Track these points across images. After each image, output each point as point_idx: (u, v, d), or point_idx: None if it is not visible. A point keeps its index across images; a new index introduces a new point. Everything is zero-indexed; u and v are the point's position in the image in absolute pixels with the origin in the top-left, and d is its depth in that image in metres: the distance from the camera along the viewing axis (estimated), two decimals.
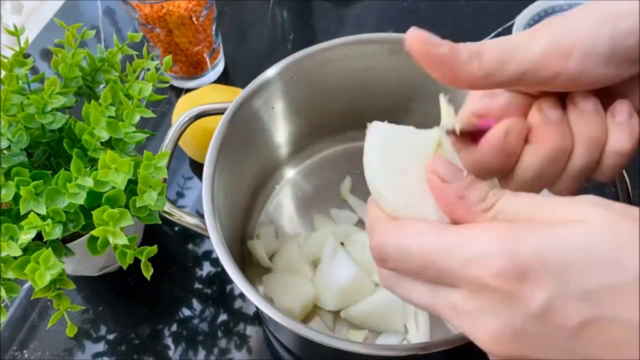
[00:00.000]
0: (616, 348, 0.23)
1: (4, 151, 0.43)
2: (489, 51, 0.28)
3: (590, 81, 0.28)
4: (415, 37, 0.28)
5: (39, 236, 0.40)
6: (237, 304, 0.54)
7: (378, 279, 0.30)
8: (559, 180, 0.30)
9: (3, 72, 0.45)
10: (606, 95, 0.30)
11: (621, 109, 0.29)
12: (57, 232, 0.40)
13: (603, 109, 0.30)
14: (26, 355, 0.52)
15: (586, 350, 0.23)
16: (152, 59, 0.49)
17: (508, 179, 0.31)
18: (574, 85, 0.29)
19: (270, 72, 0.50)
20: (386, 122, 0.29)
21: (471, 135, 0.31)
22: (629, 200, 0.43)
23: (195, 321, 0.53)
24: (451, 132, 0.30)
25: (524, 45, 0.28)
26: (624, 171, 0.44)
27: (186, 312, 0.54)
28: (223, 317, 0.53)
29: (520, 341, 0.24)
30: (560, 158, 0.29)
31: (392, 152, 0.28)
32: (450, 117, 0.30)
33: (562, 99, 0.30)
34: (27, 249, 0.41)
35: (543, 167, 0.30)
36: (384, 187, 0.28)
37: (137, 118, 0.45)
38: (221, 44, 0.68)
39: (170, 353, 0.52)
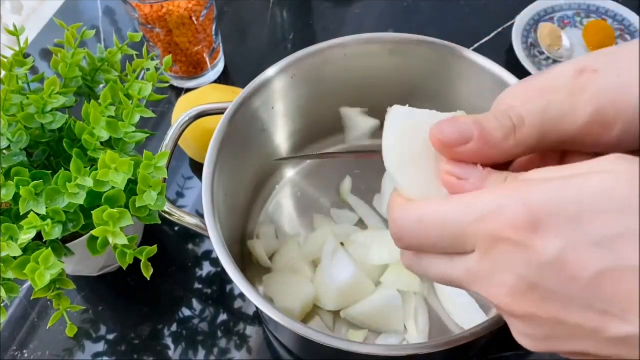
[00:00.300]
0: (635, 297, 0.21)
1: (4, 151, 0.43)
2: (527, 127, 0.27)
3: (629, 146, 0.27)
4: (440, 142, 0.27)
5: (39, 236, 0.40)
6: (237, 304, 0.54)
7: (401, 260, 0.30)
8: None
9: (3, 72, 0.45)
10: None
11: None
12: (57, 232, 0.40)
13: None
14: (26, 355, 0.52)
15: (604, 305, 0.22)
16: (152, 59, 0.49)
17: None
18: (612, 150, 0.27)
19: (270, 72, 0.50)
20: (407, 105, 0.29)
21: None
22: None
23: (195, 321, 0.53)
24: None
25: (565, 116, 0.26)
26: None
27: (186, 312, 0.54)
28: (223, 317, 0.53)
29: (537, 296, 0.23)
30: None
31: (410, 136, 0.28)
32: None
33: None
34: (27, 249, 0.41)
35: None
36: (399, 171, 0.28)
37: (137, 118, 0.45)
38: (221, 44, 0.68)
39: (170, 353, 0.52)
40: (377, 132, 0.60)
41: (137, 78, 0.48)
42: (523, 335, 0.26)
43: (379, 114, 0.58)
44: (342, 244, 0.52)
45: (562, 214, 0.22)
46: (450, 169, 0.27)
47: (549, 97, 0.27)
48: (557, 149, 0.28)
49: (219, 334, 0.52)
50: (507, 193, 0.24)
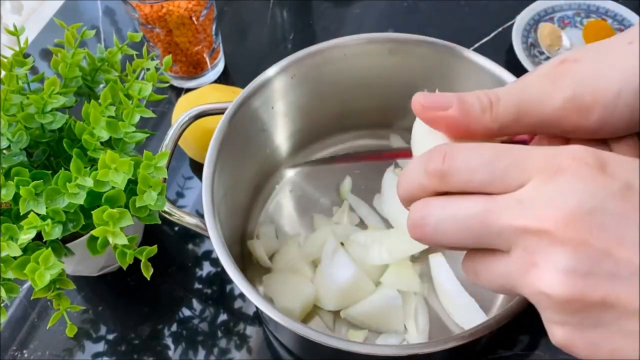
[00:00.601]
0: None
1: (4, 151, 0.43)
2: (503, 103, 0.27)
3: (613, 131, 0.28)
4: (420, 105, 0.28)
5: (39, 236, 0.40)
6: (237, 304, 0.54)
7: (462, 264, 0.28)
8: None
9: (3, 72, 0.45)
10: None
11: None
12: (57, 232, 0.40)
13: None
14: (26, 355, 0.52)
15: None
16: (152, 59, 0.49)
17: None
18: (595, 136, 0.28)
19: (270, 72, 0.50)
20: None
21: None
22: None
23: (195, 321, 0.53)
24: None
25: (542, 98, 0.27)
26: None
27: (186, 312, 0.54)
28: (223, 317, 0.53)
29: (598, 221, 0.22)
30: None
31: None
32: None
33: None
34: (27, 249, 0.41)
35: None
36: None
37: (137, 118, 0.45)
38: (221, 44, 0.68)
39: (170, 353, 0.52)
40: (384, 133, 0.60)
41: (137, 78, 0.48)
42: (562, 273, 0.23)
43: (379, 114, 0.58)
44: (342, 243, 0.52)
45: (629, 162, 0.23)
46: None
47: (527, 81, 0.28)
48: (538, 132, 0.29)
49: (219, 334, 0.52)
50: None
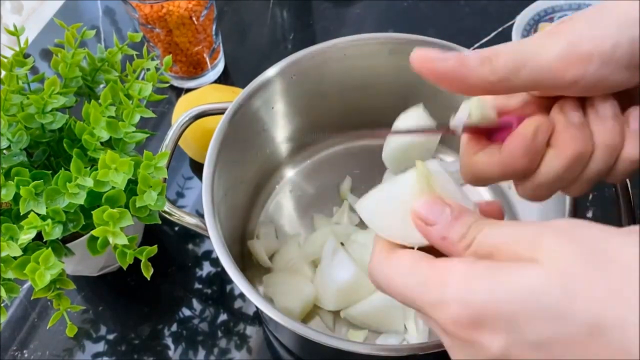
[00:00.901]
0: None
1: (4, 151, 0.43)
2: (502, 55, 0.28)
3: (609, 86, 0.28)
4: (420, 57, 0.28)
5: (39, 236, 0.40)
6: (237, 304, 0.54)
7: None
8: (574, 183, 0.30)
9: (3, 72, 0.45)
10: (624, 97, 0.29)
11: (636, 116, 0.29)
12: (57, 232, 0.40)
13: (621, 111, 0.29)
14: (26, 355, 0.52)
15: None
16: (152, 59, 0.49)
17: (527, 180, 0.30)
18: (593, 90, 0.28)
19: (270, 72, 0.50)
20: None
21: (487, 134, 0.30)
22: (628, 200, 0.43)
23: (195, 321, 0.53)
24: (469, 129, 0.30)
25: (539, 49, 0.28)
26: None
27: (186, 312, 0.54)
28: (223, 317, 0.53)
29: None
30: (581, 162, 0.29)
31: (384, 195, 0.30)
32: (477, 108, 0.30)
33: (581, 99, 0.30)
34: (27, 249, 0.41)
35: (564, 171, 0.29)
36: (376, 220, 0.30)
37: (137, 118, 0.45)
38: (221, 44, 0.68)
39: (170, 353, 0.52)
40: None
41: (137, 78, 0.48)
42: None
43: (379, 114, 0.58)
44: (342, 244, 0.52)
45: (501, 315, 0.23)
46: (417, 211, 0.27)
47: (525, 39, 0.28)
48: (537, 88, 0.29)
49: (219, 334, 0.52)
50: (454, 284, 0.24)
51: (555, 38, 0.28)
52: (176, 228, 0.59)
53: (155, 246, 0.41)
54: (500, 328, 0.23)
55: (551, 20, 0.70)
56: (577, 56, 0.27)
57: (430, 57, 0.28)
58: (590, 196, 0.57)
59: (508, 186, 0.54)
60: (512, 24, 0.69)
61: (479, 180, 0.31)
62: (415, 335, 0.49)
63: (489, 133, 0.30)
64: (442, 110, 0.54)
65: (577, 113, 0.29)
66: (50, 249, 0.40)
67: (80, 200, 0.40)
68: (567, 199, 0.42)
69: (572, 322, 0.21)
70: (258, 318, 0.53)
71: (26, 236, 0.39)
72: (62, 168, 0.41)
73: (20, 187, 0.39)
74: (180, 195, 0.61)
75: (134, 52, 0.50)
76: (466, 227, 0.26)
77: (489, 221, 0.26)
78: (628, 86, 0.28)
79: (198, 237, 0.58)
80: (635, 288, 0.21)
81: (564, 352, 0.22)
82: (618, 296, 0.21)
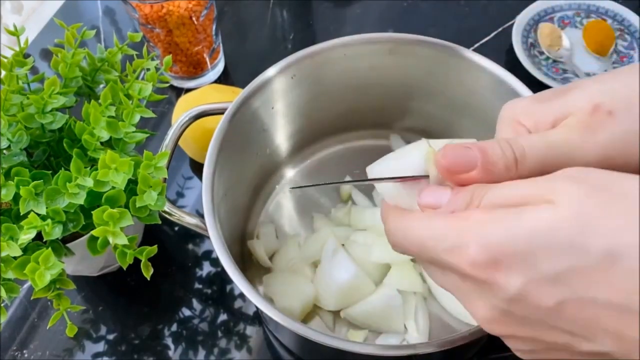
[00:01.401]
0: (596, 324, 0.23)
1: (4, 151, 0.43)
2: (529, 160, 0.27)
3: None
4: (444, 169, 0.28)
5: (39, 236, 0.40)
6: (237, 304, 0.54)
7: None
8: None
9: (3, 72, 0.45)
10: None
11: None
12: (57, 232, 0.40)
13: None
14: (26, 355, 0.52)
15: (570, 327, 0.24)
16: (152, 59, 0.49)
17: None
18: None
19: (270, 72, 0.50)
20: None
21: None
22: None
23: (195, 321, 0.53)
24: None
25: (571, 156, 0.27)
26: None
27: (186, 312, 0.54)
28: (223, 317, 0.53)
29: (510, 321, 0.25)
30: None
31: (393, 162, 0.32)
32: (427, 162, 0.32)
33: None
34: (27, 249, 0.41)
35: None
36: (385, 188, 0.31)
37: (137, 118, 0.45)
38: (221, 44, 0.68)
39: (170, 353, 0.52)
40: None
41: (137, 78, 0.48)
42: (512, 347, 0.27)
43: (379, 114, 0.58)
44: (342, 245, 0.52)
45: (517, 253, 0.24)
46: (422, 203, 0.29)
47: (553, 133, 0.28)
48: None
49: (219, 334, 0.52)
50: (469, 228, 0.25)
51: (590, 144, 0.27)
52: (176, 228, 0.59)
53: (155, 246, 0.41)
54: (517, 265, 0.24)
55: (551, 20, 0.70)
56: (611, 164, 0.27)
57: (455, 169, 0.28)
58: None
59: None
60: (512, 24, 0.69)
61: None
62: (415, 335, 0.49)
63: None
64: (442, 110, 0.55)
65: None
66: (50, 249, 0.39)
67: (80, 200, 0.40)
68: None
69: (587, 252, 0.22)
70: (258, 318, 0.53)
71: (26, 236, 0.39)
72: (62, 168, 0.41)
73: (20, 187, 0.39)
74: (180, 195, 0.61)
75: (134, 52, 0.50)
76: (469, 195, 0.27)
77: (493, 185, 0.27)
78: None
79: (198, 237, 0.58)
80: None
81: (579, 284, 0.23)
82: (631, 226, 0.22)
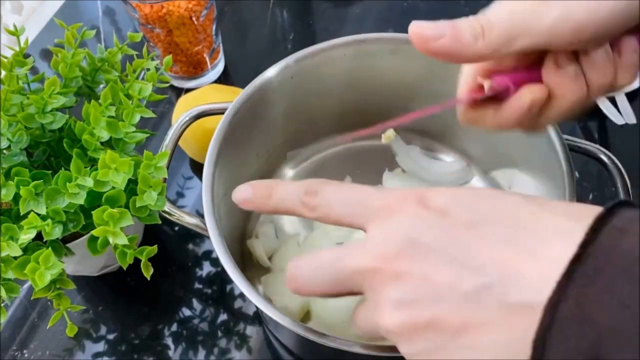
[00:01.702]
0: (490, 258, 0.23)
1: (4, 151, 0.43)
2: (496, 28, 0.29)
3: (607, 35, 0.28)
4: (416, 35, 0.29)
5: (39, 236, 0.40)
6: (237, 304, 0.54)
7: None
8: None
9: (3, 72, 0.45)
10: None
11: (628, 47, 0.30)
12: (57, 232, 0.40)
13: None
14: (26, 355, 0.52)
15: (463, 258, 0.23)
16: (152, 59, 0.49)
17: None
18: (589, 45, 0.29)
19: (270, 72, 0.50)
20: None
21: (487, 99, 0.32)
22: (628, 198, 0.43)
23: (195, 321, 0.53)
24: (470, 100, 0.32)
25: (533, 19, 0.28)
26: (622, 169, 0.44)
27: (186, 312, 0.54)
28: (223, 317, 0.53)
29: (416, 250, 0.24)
30: (578, 107, 0.30)
31: None
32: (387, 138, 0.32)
33: None
34: (27, 249, 0.41)
35: (558, 119, 0.31)
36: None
37: (137, 118, 0.45)
38: (221, 44, 0.68)
39: (170, 353, 0.52)
40: None
41: (137, 78, 0.48)
42: (392, 306, 0.25)
43: (379, 114, 0.58)
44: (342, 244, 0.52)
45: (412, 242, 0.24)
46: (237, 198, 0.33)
47: (517, 10, 0.29)
48: (532, 52, 0.29)
49: (219, 334, 0.52)
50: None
51: (551, 4, 0.28)
52: (176, 228, 0.59)
53: (155, 246, 0.41)
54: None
55: None
56: (572, 26, 0.27)
57: (425, 36, 0.29)
58: (591, 196, 0.57)
59: (508, 186, 0.54)
60: None
61: (473, 126, 0.34)
62: None
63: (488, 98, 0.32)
64: (442, 110, 0.54)
65: (571, 66, 0.30)
66: (50, 249, 0.40)
67: (80, 200, 0.40)
68: (567, 196, 0.42)
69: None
70: (258, 318, 0.53)
71: (26, 236, 0.39)
72: (62, 168, 0.41)
73: (20, 187, 0.39)
74: (180, 195, 0.61)
75: (134, 52, 0.50)
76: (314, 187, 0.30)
77: (333, 184, 0.30)
78: (626, 28, 0.28)
79: (198, 237, 0.58)
80: None
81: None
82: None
